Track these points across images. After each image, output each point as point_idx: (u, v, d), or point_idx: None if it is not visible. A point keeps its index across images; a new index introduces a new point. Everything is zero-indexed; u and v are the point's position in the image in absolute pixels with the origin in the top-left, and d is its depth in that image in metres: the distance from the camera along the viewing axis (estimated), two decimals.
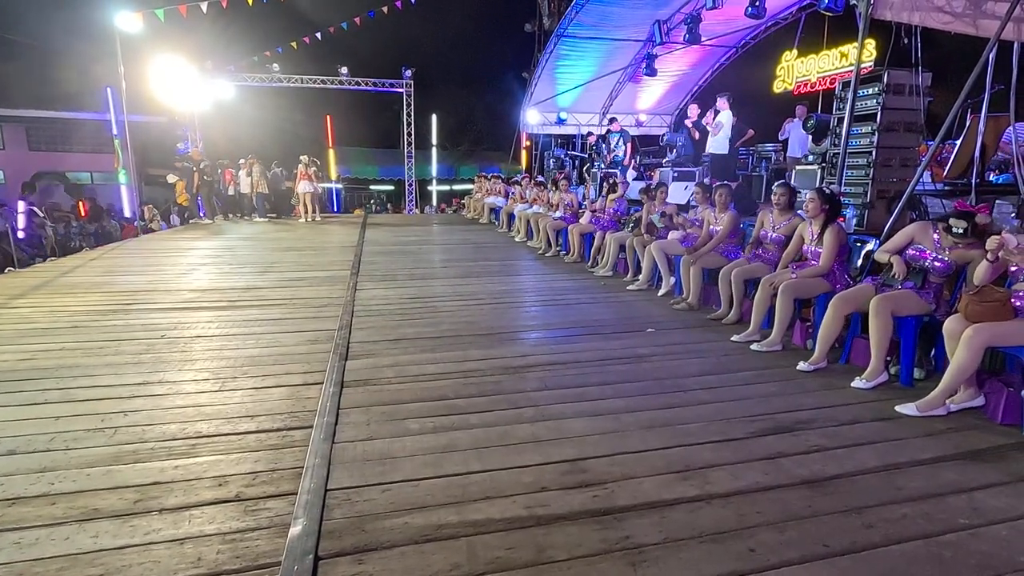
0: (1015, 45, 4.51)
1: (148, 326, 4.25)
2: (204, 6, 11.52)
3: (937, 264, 3.11)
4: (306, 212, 12.82)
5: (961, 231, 2.93)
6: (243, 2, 11.67)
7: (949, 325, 2.76)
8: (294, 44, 14.48)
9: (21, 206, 11.75)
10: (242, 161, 13.04)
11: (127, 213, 12.27)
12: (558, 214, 8.29)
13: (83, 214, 15.84)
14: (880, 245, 3.67)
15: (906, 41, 5.02)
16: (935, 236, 3.17)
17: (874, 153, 5.14)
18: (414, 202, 19.09)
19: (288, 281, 6.04)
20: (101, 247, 9.82)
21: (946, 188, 5.63)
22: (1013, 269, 2.69)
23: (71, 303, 5.01)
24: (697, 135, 8.92)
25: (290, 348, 3.74)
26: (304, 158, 12.64)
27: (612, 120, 11.13)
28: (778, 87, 11.98)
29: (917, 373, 3.16)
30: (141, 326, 4.26)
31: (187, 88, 14.22)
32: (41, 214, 12.36)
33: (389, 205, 25.06)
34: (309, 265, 7.20)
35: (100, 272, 6.67)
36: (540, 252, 8.01)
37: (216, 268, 6.87)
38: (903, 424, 2.65)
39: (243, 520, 1.88)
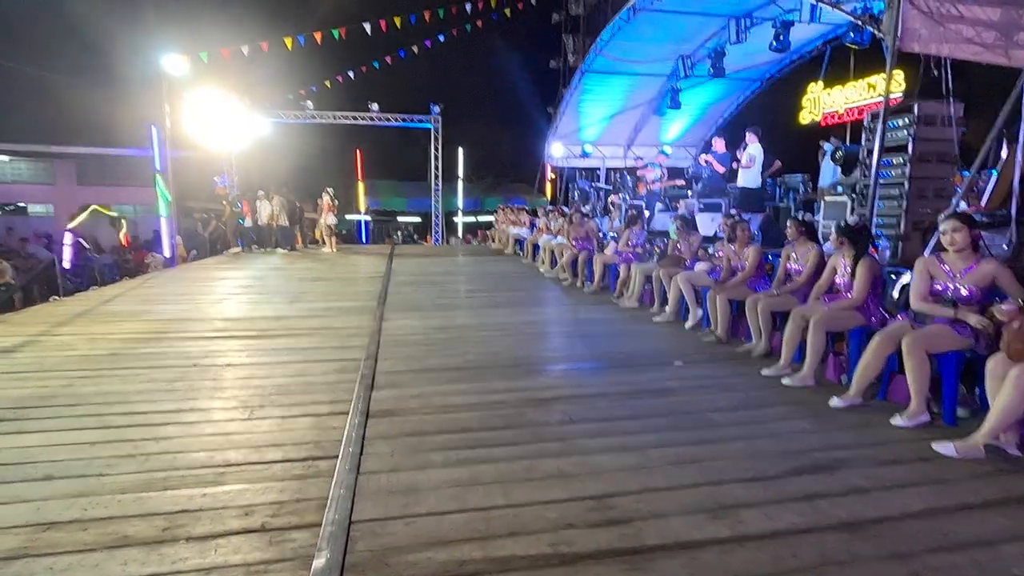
0: None
1: (181, 354, 4.36)
2: (245, 49, 12.16)
3: (963, 293, 3.01)
4: (330, 243, 13.15)
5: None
6: (281, 44, 12.28)
7: (991, 364, 2.64)
8: (327, 83, 15.13)
9: (68, 238, 12.31)
10: (261, 192, 13.33)
11: (165, 249, 12.70)
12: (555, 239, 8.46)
13: (124, 244, 16.51)
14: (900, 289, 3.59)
15: (936, 72, 4.97)
16: (944, 267, 3.09)
17: (907, 184, 5.05)
18: (440, 233, 19.38)
19: (316, 311, 6.15)
20: (140, 276, 10.19)
21: (985, 219, 5.47)
22: None
23: (110, 331, 5.19)
24: (723, 170, 8.90)
25: (317, 377, 3.78)
26: (330, 191, 13.02)
27: (658, 152, 11.21)
28: (804, 118, 11.94)
29: (961, 412, 3.02)
30: (174, 354, 4.37)
31: (226, 125, 14.90)
32: (87, 245, 12.93)
33: (415, 236, 25.49)
34: (337, 295, 7.33)
35: (138, 301, 6.91)
36: (564, 282, 8.01)
37: (247, 298, 7.05)
38: (948, 465, 2.52)
39: (267, 551, 1.87)
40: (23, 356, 4.34)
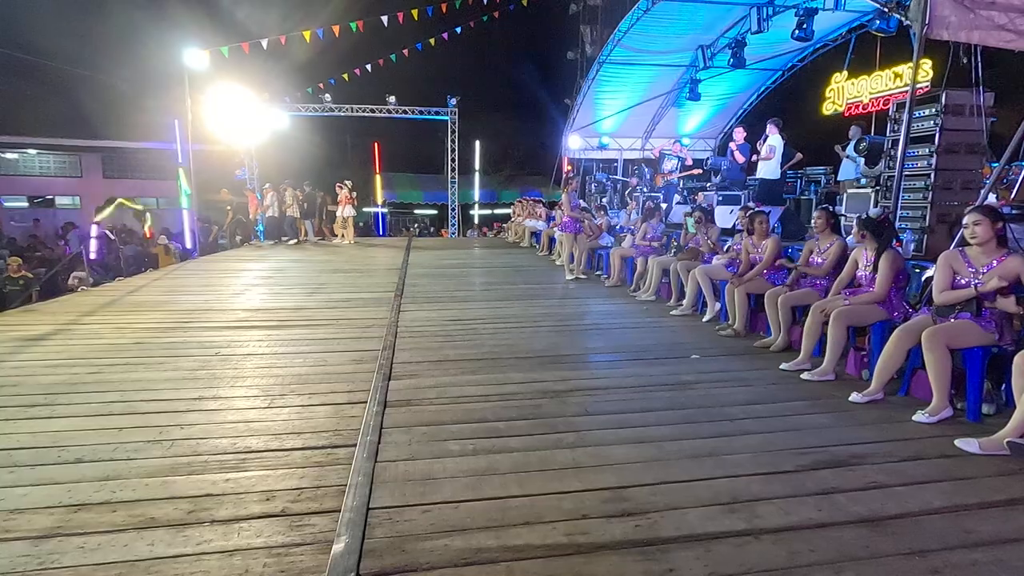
0: None
1: (204, 343, 4.45)
2: (264, 43, 12.27)
3: (980, 287, 2.93)
4: (348, 235, 13.26)
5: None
6: (299, 38, 12.36)
7: (1019, 360, 2.58)
8: (345, 76, 15.18)
9: (94, 230, 12.60)
10: (267, 186, 13.36)
11: (187, 240, 12.91)
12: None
13: (148, 236, 16.87)
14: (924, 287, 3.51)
15: (965, 60, 4.84)
16: (967, 261, 3.01)
17: (933, 176, 4.93)
18: (456, 226, 19.44)
19: (335, 302, 6.22)
20: (164, 268, 10.40)
21: (1015, 212, 5.33)
22: None
23: (136, 320, 5.31)
24: (742, 159, 8.78)
25: (336, 367, 3.83)
26: (348, 183, 13.12)
27: (675, 142, 11.11)
28: (828, 109, 11.67)
29: (986, 408, 2.96)
30: (197, 343, 4.46)
31: (246, 118, 15.08)
32: (112, 237, 13.22)
33: (432, 229, 25.60)
34: (355, 287, 7.41)
35: (162, 291, 7.06)
36: (582, 277, 7.99)
37: (267, 289, 7.16)
38: (971, 462, 2.48)
39: (288, 535, 1.92)
40: (53, 344, 4.47)
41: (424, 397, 3.25)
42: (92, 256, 11.89)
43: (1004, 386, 3.00)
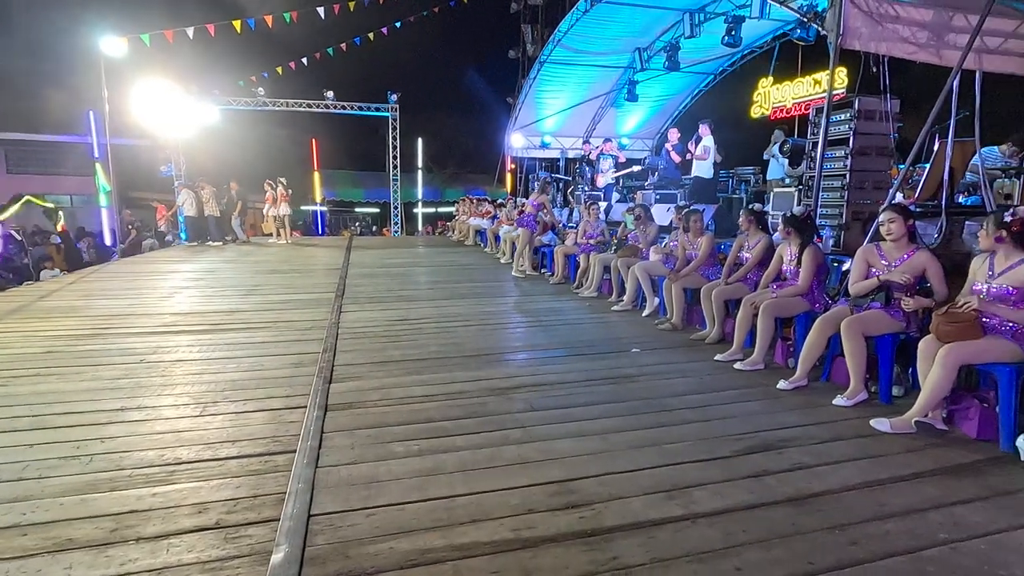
0: (977, 74, 4.72)
1: (127, 350, 4.17)
2: (191, 31, 11.60)
3: (881, 276, 3.21)
4: (285, 234, 12.76)
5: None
6: (230, 28, 11.77)
7: (923, 346, 2.82)
8: (279, 69, 14.60)
9: None
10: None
11: (107, 238, 11.99)
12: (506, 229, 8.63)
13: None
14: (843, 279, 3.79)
15: (875, 69, 5.22)
16: (881, 255, 3.28)
17: (848, 176, 5.30)
18: (399, 224, 19.12)
19: (272, 304, 5.98)
20: (79, 271, 9.65)
21: (918, 210, 5.80)
22: (976, 287, 2.80)
23: (47, 328, 4.91)
24: (677, 159, 9.11)
25: (273, 372, 3.69)
26: (283, 180, 12.62)
27: (606, 141, 11.34)
28: (755, 112, 12.33)
29: (896, 390, 3.22)
30: (119, 350, 4.17)
31: (172, 112, 14.21)
32: (20, 237, 12.14)
33: (374, 227, 25.07)
34: (293, 288, 7.15)
35: (78, 296, 6.55)
36: (522, 271, 8.06)
37: (198, 291, 6.79)
38: (884, 441, 2.69)
39: (223, 548, 1.83)
40: None
41: (367, 399, 3.18)
42: None
43: (911, 370, 3.27)
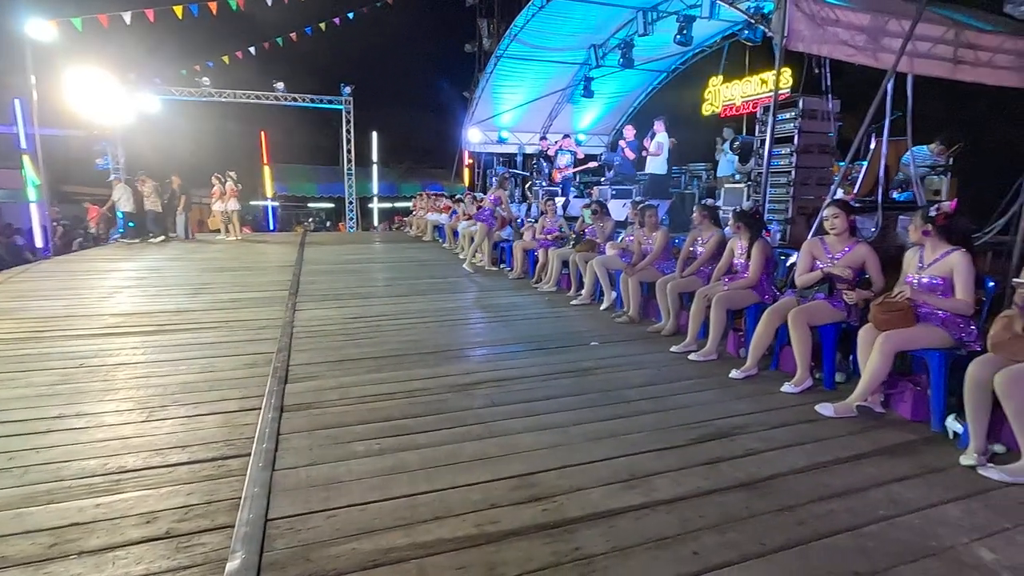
0: (909, 77, 5.01)
1: (65, 354, 3.94)
2: (127, 17, 10.98)
3: (825, 269, 3.39)
4: (234, 230, 12.30)
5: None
6: (171, 14, 11.21)
7: (862, 335, 2.99)
8: (225, 58, 14.01)
9: None
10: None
11: (37, 238, 11.22)
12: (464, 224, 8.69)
13: None
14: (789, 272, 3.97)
15: (817, 71, 5.47)
16: (824, 247, 3.46)
17: (793, 173, 5.54)
18: (355, 220, 18.73)
19: (222, 303, 5.77)
20: (7, 270, 9.02)
21: (857, 205, 6.12)
22: (908, 278, 2.98)
23: None
24: (632, 156, 9.29)
25: (225, 373, 3.56)
26: (232, 174, 12.15)
27: (564, 137, 11.42)
28: (707, 110, 12.68)
29: (838, 377, 3.40)
30: (57, 355, 3.94)
31: (107, 101, 13.41)
32: None
33: (328, 223, 24.47)
34: (244, 286, 6.91)
35: (8, 297, 6.13)
36: (480, 263, 8.06)
37: (142, 291, 6.47)
38: (827, 425, 2.83)
39: (174, 558, 1.76)
40: None
41: (325, 399, 3.12)
42: None
43: (852, 357, 3.46)
